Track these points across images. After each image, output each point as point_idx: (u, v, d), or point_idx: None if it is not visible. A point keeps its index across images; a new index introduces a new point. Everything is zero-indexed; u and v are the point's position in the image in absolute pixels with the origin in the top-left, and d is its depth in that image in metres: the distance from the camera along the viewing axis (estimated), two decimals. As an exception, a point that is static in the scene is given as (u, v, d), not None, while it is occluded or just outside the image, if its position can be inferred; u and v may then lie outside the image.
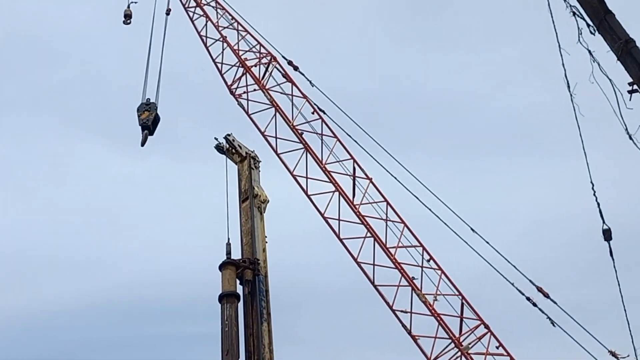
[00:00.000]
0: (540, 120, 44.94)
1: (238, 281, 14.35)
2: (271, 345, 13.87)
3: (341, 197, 17.35)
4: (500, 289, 16.71)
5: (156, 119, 19.75)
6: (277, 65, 19.84)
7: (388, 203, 17.41)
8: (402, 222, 17.20)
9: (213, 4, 21.61)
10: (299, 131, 18.45)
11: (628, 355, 15.24)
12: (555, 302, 16.10)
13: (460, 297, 16.21)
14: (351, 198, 17.41)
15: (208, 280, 14.86)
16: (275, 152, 18.22)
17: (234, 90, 19.69)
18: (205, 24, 21.25)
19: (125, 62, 38.82)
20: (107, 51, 44.95)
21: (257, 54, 20.13)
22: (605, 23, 8.17)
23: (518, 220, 40.31)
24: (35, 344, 43.99)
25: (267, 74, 19.65)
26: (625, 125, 8.55)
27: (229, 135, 17.02)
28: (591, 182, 10.34)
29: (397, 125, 44.15)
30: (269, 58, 19.96)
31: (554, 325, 15.67)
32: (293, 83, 19.45)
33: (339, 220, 17.15)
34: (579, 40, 8.73)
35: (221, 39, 20.68)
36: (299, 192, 17.69)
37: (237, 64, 20.03)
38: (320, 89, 19.45)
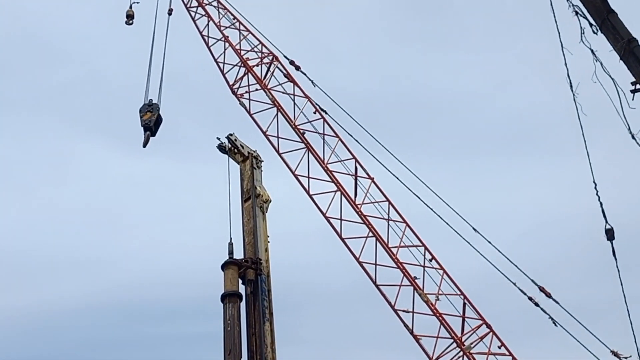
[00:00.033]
0: (541, 120, 44.95)
1: (240, 281, 14.35)
2: (274, 345, 13.88)
3: (343, 197, 17.36)
4: (502, 289, 16.72)
5: (158, 120, 19.76)
6: (279, 65, 19.86)
7: (390, 203, 17.42)
8: (404, 221, 17.21)
9: (215, 3, 21.62)
10: (301, 131, 18.46)
11: (630, 356, 15.24)
12: (557, 302, 16.10)
13: (462, 296, 16.21)
14: (353, 198, 17.41)
15: (210, 280, 14.89)
16: (277, 151, 18.23)
17: (235, 90, 19.70)
18: (207, 24, 21.27)
19: (126, 62, 38.87)
20: (109, 51, 45.02)
21: (259, 54, 20.14)
22: (607, 22, 8.18)
23: (519, 219, 40.32)
24: (36, 344, 44.11)
25: (269, 73, 19.67)
26: (628, 125, 8.57)
27: (231, 134, 17.04)
28: (594, 182, 10.33)
29: (399, 125, 44.17)
30: (270, 58, 19.97)
31: (556, 325, 15.68)
32: (295, 83, 19.46)
33: (340, 219, 17.16)
34: (581, 39, 8.75)
35: (223, 39, 20.70)
36: (301, 192, 17.72)
37: (239, 64, 20.04)
38: (322, 89, 19.48)
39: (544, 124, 44.28)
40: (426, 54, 50.12)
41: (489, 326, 15.96)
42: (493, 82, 48.37)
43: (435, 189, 17.59)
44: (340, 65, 45.27)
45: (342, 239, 16.97)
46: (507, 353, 15.75)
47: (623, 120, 8.49)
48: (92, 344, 42.26)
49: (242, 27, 20.90)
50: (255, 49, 20.29)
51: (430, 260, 16.75)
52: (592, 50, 8.67)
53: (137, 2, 23.28)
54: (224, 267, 14.42)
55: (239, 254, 14.88)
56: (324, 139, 18.27)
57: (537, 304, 16.09)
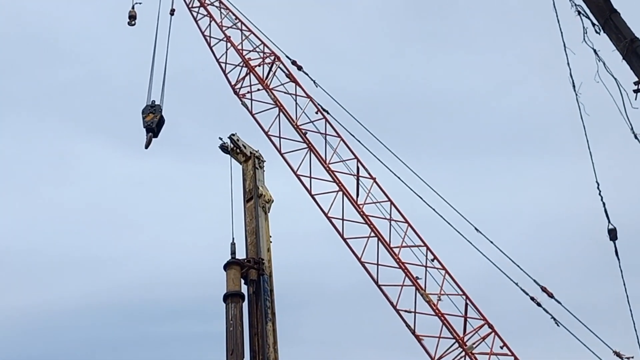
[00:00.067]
0: (542, 120, 44.93)
1: (243, 281, 14.38)
2: (276, 345, 13.88)
3: (345, 197, 17.36)
4: (504, 289, 16.72)
5: (161, 121, 19.77)
6: (281, 65, 19.87)
7: (392, 203, 17.41)
8: (406, 221, 17.20)
9: (217, 3, 21.63)
10: (303, 131, 18.46)
11: (633, 356, 15.22)
12: (559, 302, 16.08)
13: (464, 296, 16.19)
14: (355, 198, 17.41)
15: (213, 280, 14.91)
16: (279, 151, 18.24)
17: (237, 90, 19.71)
18: (209, 24, 21.28)
19: (128, 62, 38.95)
20: (111, 50, 45.12)
21: (261, 54, 20.16)
22: (610, 22, 8.16)
23: (521, 220, 40.30)
24: (38, 343, 44.15)
25: (271, 73, 19.68)
26: (631, 125, 8.56)
27: (233, 135, 17.06)
28: (596, 182, 10.32)
29: (400, 125, 44.19)
30: (272, 58, 19.98)
31: (558, 325, 15.66)
32: (297, 83, 19.46)
33: (342, 220, 17.15)
34: (584, 39, 8.73)
35: (225, 39, 20.71)
36: (302, 192, 17.72)
37: (241, 64, 20.05)
38: (324, 89, 19.49)
39: (545, 124, 44.30)
40: (427, 54, 50.17)
41: (491, 326, 15.94)
42: (494, 82, 48.42)
43: (437, 189, 17.61)
44: (342, 65, 45.31)
45: (344, 239, 16.96)
46: (509, 353, 15.73)
47: (626, 120, 8.48)
48: (94, 344, 42.33)
49: (244, 27, 20.92)
50: (257, 49, 20.30)
51: (432, 260, 16.74)
52: (594, 50, 8.66)
53: (140, 3, 23.33)
54: (227, 267, 14.44)
55: (241, 254, 14.90)
56: (325, 139, 18.28)
57: (539, 304, 16.07)
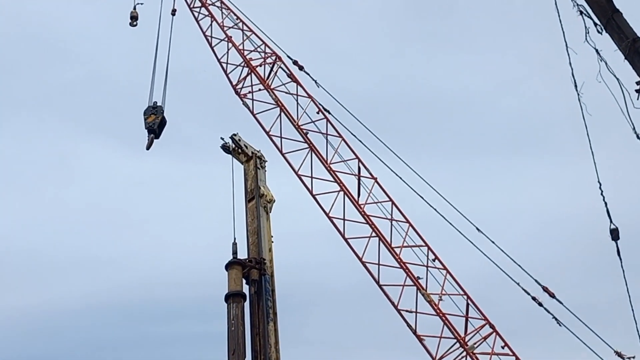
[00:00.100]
0: (543, 120, 44.94)
1: (244, 281, 14.38)
2: (277, 345, 13.89)
3: (346, 197, 17.35)
4: (505, 289, 16.70)
5: (162, 123, 19.79)
6: (282, 65, 19.88)
7: (393, 203, 17.40)
8: (407, 221, 17.19)
9: (218, 4, 21.64)
10: (304, 131, 18.46)
11: (634, 356, 15.21)
12: (561, 302, 16.06)
13: (465, 296, 16.18)
14: (356, 198, 17.40)
15: (214, 280, 14.91)
16: (280, 151, 18.23)
17: (239, 90, 19.71)
18: (211, 24, 21.29)
19: (130, 62, 39.02)
20: (112, 50, 45.21)
21: (262, 54, 20.16)
22: (612, 22, 8.16)
23: (522, 220, 40.30)
24: (39, 343, 44.17)
25: (272, 73, 19.68)
26: (633, 124, 8.56)
27: (235, 135, 17.07)
28: (598, 182, 10.31)
29: (401, 125, 44.19)
30: (274, 58, 19.99)
31: (560, 325, 15.64)
32: (298, 83, 19.47)
33: (344, 220, 17.14)
34: (586, 39, 8.73)
35: (226, 39, 20.71)
36: (304, 192, 17.72)
37: (242, 64, 20.05)
38: (326, 89, 19.49)
39: (545, 124, 44.31)
40: (428, 54, 50.18)
41: (492, 326, 15.93)
42: (495, 82, 48.42)
43: (439, 189, 17.61)
44: (342, 65, 45.33)
45: (345, 239, 16.96)
46: (511, 353, 15.72)
47: (628, 120, 8.49)
48: (95, 344, 42.35)
49: (245, 27, 20.92)
50: (259, 49, 20.30)
51: (434, 260, 16.73)
52: (596, 50, 8.66)
53: (141, 3, 23.34)
54: (228, 267, 14.44)
55: (242, 254, 14.91)
56: (327, 139, 18.28)
57: (540, 304, 16.05)
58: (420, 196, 17.26)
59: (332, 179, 17.65)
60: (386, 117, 41.47)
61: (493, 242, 16.72)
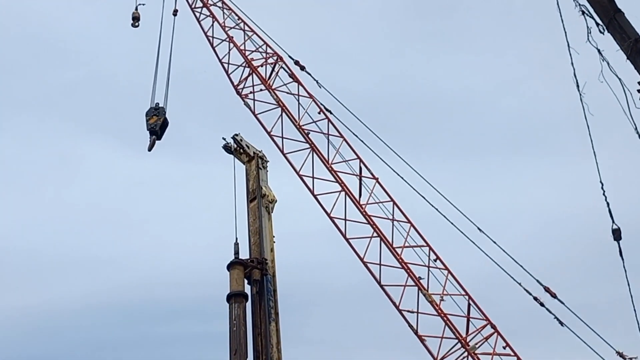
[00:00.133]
0: (544, 120, 44.93)
1: (246, 281, 14.39)
2: (279, 345, 13.89)
3: (347, 197, 17.36)
4: (507, 289, 16.70)
5: (164, 124, 19.81)
6: (284, 65, 19.89)
7: (394, 203, 17.41)
8: (409, 221, 17.19)
9: (219, 4, 21.66)
10: (306, 131, 18.47)
11: (636, 357, 15.21)
12: (562, 302, 16.05)
13: (466, 297, 16.18)
14: (357, 198, 17.41)
15: (216, 280, 14.91)
16: (282, 152, 18.24)
17: (240, 91, 19.73)
18: (212, 25, 21.31)
19: (131, 62, 39.03)
20: (113, 50, 45.20)
21: (264, 54, 20.17)
22: (614, 22, 8.15)
23: (524, 220, 40.27)
24: (40, 343, 44.18)
25: (274, 74, 19.70)
26: (635, 125, 8.56)
27: (236, 135, 17.07)
28: (600, 182, 10.30)
29: (402, 125, 44.22)
30: (275, 58, 20.00)
31: (562, 325, 15.62)
32: (299, 83, 19.48)
33: (345, 220, 17.15)
34: (588, 39, 8.72)
35: (227, 39, 20.73)
36: (305, 192, 17.73)
37: (244, 64, 20.08)
38: (327, 89, 19.51)
39: (546, 124, 44.31)
40: (428, 54, 50.18)
41: (493, 326, 15.93)
42: (495, 82, 48.42)
43: (441, 189, 17.61)
44: (343, 65, 45.32)
45: (347, 239, 16.96)
46: (512, 353, 15.72)
47: (630, 120, 8.48)
48: (95, 344, 42.38)
49: (246, 28, 20.94)
50: (260, 49, 20.32)
51: (435, 260, 16.73)
52: (598, 50, 8.65)
53: (143, 4, 23.35)
54: (230, 267, 14.44)
55: (244, 254, 14.91)
56: (328, 139, 18.29)
57: (542, 304, 16.04)
58: (422, 196, 17.27)
59: (334, 179, 17.66)
60: (386, 117, 41.50)
61: (495, 242, 16.72)
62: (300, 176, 17.80)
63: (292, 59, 20.11)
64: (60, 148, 50.68)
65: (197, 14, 21.80)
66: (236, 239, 15.08)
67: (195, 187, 42.17)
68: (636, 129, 8.64)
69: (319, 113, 18.79)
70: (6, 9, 47.56)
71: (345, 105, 19.01)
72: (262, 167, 16.70)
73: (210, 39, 21.07)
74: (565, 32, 9.59)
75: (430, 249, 16.83)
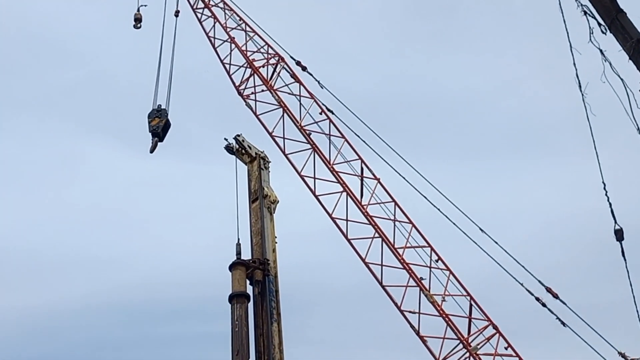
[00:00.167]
0: (546, 121, 44.93)
1: (248, 281, 14.38)
2: (281, 346, 13.87)
3: (349, 198, 17.37)
4: (509, 290, 16.70)
5: (166, 126, 19.85)
6: (285, 66, 19.89)
7: (396, 203, 17.41)
8: (410, 222, 17.19)
9: (221, 5, 21.68)
10: (307, 132, 18.48)
11: (638, 357, 15.18)
12: (564, 303, 16.05)
13: (468, 297, 16.19)
14: (359, 198, 17.41)
15: (218, 281, 14.92)
16: (283, 152, 18.25)
17: (241, 91, 19.75)
18: (213, 25, 21.34)
19: (133, 62, 39.06)
20: (115, 51, 45.20)
21: (265, 55, 20.19)
22: (616, 22, 8.15)
23: (525, 220, 40.21)
24: (41, 343, 44.21)
25: (275, 74, 19.71)
26: (637, 125, 8.54)
27: (238, 135, 17.08)
28: (603, 182, 10.29)
29: (404, 125, 44.23)
30: (276, 59, 20.01)
31: (564, 326, 15.62)
32: (301, 83, 19.49)
33: (346, 220, 17.16)
34: (590, 39, 8.71)
35: (229, 40, 20.75)
36: (307, 193, 17.74)
37: (245, 65, 20.10)
38: (329, 90, 19.51)
39: (547, 125, 44.30)
40: (428, 54, 50.13)
41: (495, 327, 15.93)
42: (496, 83, 48.38)
43: (442, 190, 17.61)
44: (343, 65, 45.32)
45: (348, 240, 16.97)
46: (514, 354, 15.72)
47: (632, 121, 8.48)
48: (97, 344, 42.41)
49: (248, 28, 20.95)
50: (262, 50, 20.34)
51: (437, 261, 16.73)
52: (600, 51, 8.64)
53: (145, 5, 23.37)
54: (232, 267, 14.44)
55: (246, 255, 14.91)
56: (329, 140, 18.30)
57: (544, 305, 16.04)
58: (424, 196, 17.28)
59: (335, 180, 17.66)
60: (386, 117, 41.48)
61: (496, 243, 16.73)
62: (302, 177, 17.80)
63: (294, 60, 20.14)
64: (61, 148, 50.75)
65: (199, 15, 21.83)
66: (238, 239, 15.08)
67: (197, 187, 42.23)
68: (638, 129, 8.62)
69: (321, 113, 18.81)
70: (7, 9, 47.65)
71: (347, 106, 19.05)
72: (264, 168, 16.70)
73: (212, 39, 21.09)
74: (568, 33, 9.59)
75: (432, 249, 16.83)
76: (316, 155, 18.01)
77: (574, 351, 16.06)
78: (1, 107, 52.08)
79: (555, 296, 16.17)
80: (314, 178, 17.74)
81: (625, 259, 10.93)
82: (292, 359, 14.40)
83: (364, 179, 17.70)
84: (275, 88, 19.43)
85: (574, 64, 9.69)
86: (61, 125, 52.05)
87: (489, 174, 45.19)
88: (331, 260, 32.22)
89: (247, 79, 19.82)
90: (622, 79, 8.54)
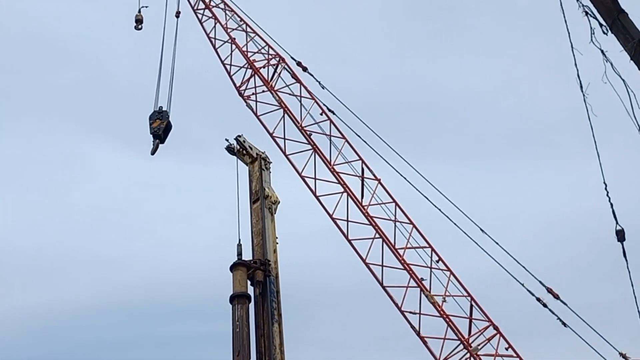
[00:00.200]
0: (546, 121, 44.95)
1: (249, 282, 14.37)
2: (282, 346, 13.85)
3: (350, 198, 17.37)
4: (509, 290, 16.71)
5: (167, 128, 19.86)
6: (286, 67, 19.90)
7: (396, 204, 17.41)
8: (411, 222, 17.19)
9: (222, 5, 21.70)
10: (308, 132, 18.48)
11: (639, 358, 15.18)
12: (565, 304, 16.05)
13: (469, 298, 16.19)
14: (360, 199, 17.42)
15: (219, 281, 14.91)
16: (284, 153, 18.26)
17: (242, 92, 19.76)
18: (214, 26, 21.35)
19: (134, 62, 39.07)
20: (118, 52, 45.20)
21: (266, 55, 20.19)
22: (618, 22, 8.14)
23: (526, 221, 40.22)
24: (42, 344, 44.22)
25: (276, 75, 19.71)
26: (638, 125, 8.54)
27: (239, 136, 17.06)
28: (604, 183, 10.28)
29: (404, 125, 44.27)
30: (277, 59, 20.02)
31: (565, 326, 15.61)
32: (301, 84, 19.50)
33: (347, 221, 17.16)
34: (591, 40, 8.71)
35: (230, 41, 20.76)
36: (307, 193, 17.74)
37: (246, 66, 20.11)
38: (330, 90, 19.51)
39: (548, 125, 44.34)
40: (430, 55, 50.16)
41: (496, 328, 15.93)
42: (497, 83, 48.39)
43: (443, 190, 17.62)
44: (346, 66, 45.37)
45: (349, 240, 16.97)
46: (515, 355, 15.73)
47: (633, 121, 8.47)
48: (98, 344, 42.42)
49: (248, 29, 20.96)
50: (262, 51, 20.34)
51: (437, 261, 16.73)
52: (602, 51, 8.64)
53: (146, 7, 23.38)
54: (233, 268, 14.43)
55: (247, 255, 14.90)
56: (330, 140, 18.30)
57: (545, 305, 16.04)
58: (425, 196, 17.28)
59: (336, 180, 17.67)
60: (387, 118, 41.52)
61: (497, 243, 16.72)
62: (303, 177, 17.81)
63: (295, 60, 20.15)
64: (61, 148, 50.79)
65: (200, 16, 21.84)
66: (239, 240, 15.07)
67: (198, 188, 42.19)
68: (639, 129, 8.62)
69: (321, 114, 18.82)
70: (8, 10, 47.68)
71: (347, 106, 19.05)
72: (265, 168, 16.68)
73: (213, 40, 21.11)
74: (569, 33, 9.58)
75: (433, 250, 16.83)
76: (317, 155, 18.02)
77: (575, 352, 16.06)
78: (2, 108, 52.17)
79: (556, 297, 16.16)
80: (315, 179, 17.75)
81: (626, 260, 10.92)
82: (292, 359, 14.41)
83: (365, 179, 17.70)
84: (275, 89, 19.44)
85: (575, 64, 9.69)
86: (62, 126, 52.13)
87: (489, 174, 45.23)
88: (332, 261, 32.25)
89: (248, 80, 19.84)
90: (623, 80, 8.55)
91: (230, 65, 20.33)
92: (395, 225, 17.07)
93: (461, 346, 15.61)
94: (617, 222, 10.15)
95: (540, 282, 16.32)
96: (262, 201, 15.69)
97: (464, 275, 16.69)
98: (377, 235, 16.84)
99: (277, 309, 14.26)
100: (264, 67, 19.95)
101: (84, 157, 50.02)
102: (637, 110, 8.54)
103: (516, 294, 16.38)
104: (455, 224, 16.94)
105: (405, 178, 17.54)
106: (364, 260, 16.69)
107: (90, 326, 44.03)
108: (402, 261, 16.49)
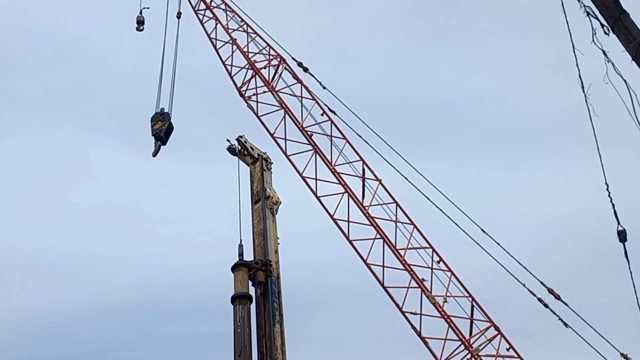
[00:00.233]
0: (547, 121, 44.96)
1: (250, 282, 14.39)
2: (283, 347, 13.87)
3: (350, 199, 17.36)
4: (510, 291, 16.69)
5: (169, 129, 19.88)
6: (287, 67, 19.90)
7: (397, 204, 17.40)
8: (412, 223, 17.18)
9: (223, 6, 21.69)
10: (309, 133, 18.47)
11: (640, 358, 15.17)
12: (566, 304, 16.03)
13: (470, 298, 16.18)
14: (361, 199, 17.41)
15: (220, 282, 14.94)
16: (285, 153, 18.25)
17: (243, 93, 19.75)
18: (215, 27, 21.34)
19: (137, 63, 39.08)
20: (120, 53, 45.24)
21: (267, 56, 20.19)
22: (619, 23, 8.14)
23: (527, 221, 40.21)
24: (44, 344, 44.23)
25: (277, 75, 19.71)
26: (640, 126, 8.54)
27: (240, 136, 17.08)
28: (606, 183, 10.29)
29: (404, 126, 44.25)
30: (278, 60, 20.02)
31: (566, 327, 15.60)
32: (302, 84, 19.49)
33: (348, 221, 17.14)
34: (593, 40, 8.72)
35: (231, 42, 20.76)
36: (308, 194, 17.73)
37: (247, 66, 20.10)
38: (331, 91, 19.50)
39: (548, 125, 44.35)
40: (430, 55, 50.14)
41: (497, 328, 15.92)
42: (503, 83, 48.37)
43: (444, 190, 17.60)
44: (345, 66, 45.38)
45: (350, 241, 16.95)
46: (516, 355, 15.71)
47: (635, 121, 8.48)
48: (99, 344, 42.42)
49: (249, 30, 20.96)
50: (263, 51, 20.34)
51: (438, 262, 16.72)
52: (603, 51, 8.64)
53: (148, 8, 23.38)
54: (234, 268, 14.46)
55: (249, 256, 14.92)
56: (331, 141, 18.29)
57: (546, 306, 16.03)
58: (426, 197, 17.27)
59: (337, 181, 17.65)
60: (387, 118, 41.49)
61: (498, 244, 16.70)
62: (303, 178, 17.79)
63: (295, 61, 20.13)
64: (63, 149, 50.82)
65: (200, 17, 21.84)
66: (240, 240, 15.10)
67: (200, 188, 42.22)
68: (640, 129, 8.61)
69: (322, 114, 18.80)
70: (10, 10, 47.71)
71: (348, 107, 19.03)
72: (267, 169, 16.70)
73: (214, 41, 21.10)
74: (571, 34, 9.58)
75: (434, 250, 16.83)
76: (318, 156, 18.00)
77: (576, 352, 16.05)
78: (4, 108, 52.18)
79: (557, 297, 16.14)
80: (316, 179, 17.73)
81: (628, 260, 10.92)
82: (293, 359, 14.40)
83: (366, 179, 17.69)
84: (276, 89, 19.44)
85: (577, 64, 9.69)
86: (63, 126, 52.19)
87: (489, 174, 45.24)
88: (333, 261, 32.23)
89: (249, 80, 19.83)
90: (625, 80, 8.56)
91: (231, 65, 20.33)
92: (396, 226, 17.06)
93: (462, 347, 15.59)
94: (618, 223, 10.15)
95: (541, 282, 16.31)
96: (263, 202, 15.71)
97: (465, 276, 16.70)
98: (378, 236, 16.82)
99: (279, 309, 14.27)
100: (264, 67, 19.94)
101: (85, 158, 50.09)
102: (639, 111, 8.54)
103: (517, 294, 16.39)
104: (456, 224, 16.95)
105: (406, 178, 17.55)
106: (364, 261, 16.68)
107: (90, 326, 44.07)
108: (403, 262, 16.48)
